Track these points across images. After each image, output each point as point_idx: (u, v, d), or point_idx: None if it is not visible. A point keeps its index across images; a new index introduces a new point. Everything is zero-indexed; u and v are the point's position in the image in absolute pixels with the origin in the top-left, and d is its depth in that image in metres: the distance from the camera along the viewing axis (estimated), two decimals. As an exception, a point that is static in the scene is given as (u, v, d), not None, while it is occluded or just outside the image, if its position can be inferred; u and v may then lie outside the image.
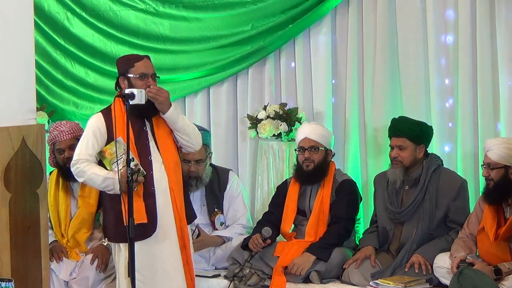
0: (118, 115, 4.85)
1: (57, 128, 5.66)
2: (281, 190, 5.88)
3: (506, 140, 5.13)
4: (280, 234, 5.81)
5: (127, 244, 4.74)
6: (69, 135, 5.62)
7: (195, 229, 5.74)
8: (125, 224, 4.71)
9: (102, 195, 5.07)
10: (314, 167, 5.68)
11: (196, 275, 5.39)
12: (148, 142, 4.93)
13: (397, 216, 5.48)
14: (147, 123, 4.94)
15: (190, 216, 5.09)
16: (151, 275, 4.85)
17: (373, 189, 5.73)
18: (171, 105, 4.87)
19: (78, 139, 5.57)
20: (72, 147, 5.60)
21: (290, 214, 5.75)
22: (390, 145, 5.51)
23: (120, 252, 4.93)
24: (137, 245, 4.71)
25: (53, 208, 5.67)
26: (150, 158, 4.91)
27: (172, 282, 4.89)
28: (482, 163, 5.14)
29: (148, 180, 4.84)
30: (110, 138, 4.88)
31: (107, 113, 4.94)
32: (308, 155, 5.68)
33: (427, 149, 5.52)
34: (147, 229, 4.82)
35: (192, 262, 5.02)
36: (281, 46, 6.45)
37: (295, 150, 5.83)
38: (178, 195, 4.94)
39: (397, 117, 5.61)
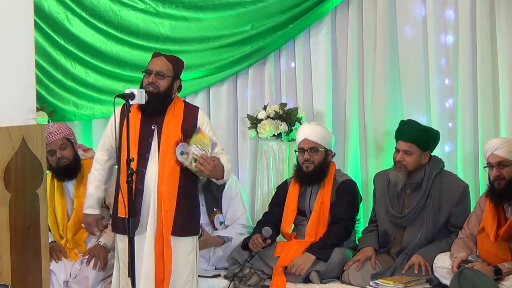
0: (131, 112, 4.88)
1: (45, 130, 5.65)
2: (281, 190, 5.88)
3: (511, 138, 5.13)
4: (280, 234, 5.81)
5: (119, 236, 4.99)
6: (58, 135, 5.64)
7: (198, 229, 5.74)
8: (117, 216, 4.98)
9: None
10: (314, 168, 5.68)
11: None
12: (151, 140, 4.95)
13: (398, 220, 5.46)
14: (156, 121, 4.96)
15: (185, 229, 4.99)
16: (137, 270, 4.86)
17: (373, 187, 5.72)
18: (222, 176, 4.93)
19: (68, 139, 5.63)
20: (62, 147, 5.62)
21: (290, 214, 5.75)
22: (396, 148, 5.48)
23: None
24: (125, 238, 4.83)
25: (50, 210, 5.66)
26: (148, 156, 4.94)
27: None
28: (488, 164, 5.09)
29: (140, 178, 4.87)
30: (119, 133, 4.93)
31: (123, 108, 4.93)
32: (308, 157, 5.68)
33: (431, 153, 5.50)
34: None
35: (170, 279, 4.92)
36: (281, 46, 6.45)
37: (295, 151, 5.83)
38: (167, 200, 4.91)
39: (406, 119, 5.57)
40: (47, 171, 5.75)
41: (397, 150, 5.46)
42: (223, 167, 4.93)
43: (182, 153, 4.90)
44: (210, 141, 4.98)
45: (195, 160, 4.88)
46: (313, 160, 5.68)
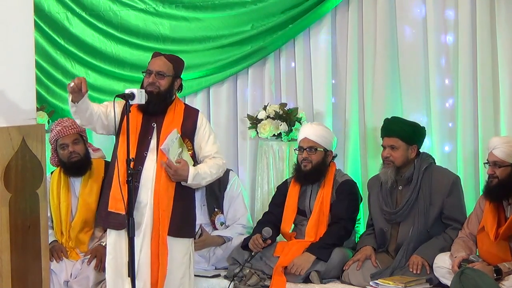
0: (133, 109, 4.90)
1: (60, 124, 5.68)
2: (281, 190, 5.88)
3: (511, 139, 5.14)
4: (280, 234, 5.81)
5: (110, 230, 4.97)
6: (73, 129, 5.65)
7: (198, 229, 5.73)
8: (107, 210, 4.95)
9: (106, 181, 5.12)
10: (311, 168, 5.67)
11: (196, 275, 5.39)
12: (150, 138, 4.95)
13: (392, 216, 5.48)
14: (156, 120, 4.96)
15: (181, 230, 4.96)
16: (119, 266, 4.87)
17: (367, 193, 5.72)
18: (186, 180, 4.90)
19: (80, 135, 5.64)
20: (75, 142, 5.63)
21: (291, 214, 5.75)
22: (382, 145, 5.52)
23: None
24: (114, 233, 4.89)
25: (55, 207, 5.68)
26: (146, 153, 4.94)
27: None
28: (486, 161, 5.13)
29: (136, 175, 4.85)
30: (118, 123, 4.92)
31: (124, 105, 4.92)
32: (306, 155, 5.68)
33: (419, 149, 5.51)
34: (121, 221, 4.80)
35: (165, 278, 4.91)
36: (281, 46, 6.45)
37: (295, 149, 5.83)
38: (165, 199, 4.89)
39: (389, 117, 5.60)
40: (54, 168, 5.78)
41: (384, 148, 5.49)
42: (188, 172, 4.89)
43: (168, 149, 4.87)
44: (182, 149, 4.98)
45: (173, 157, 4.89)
46: (311, 159, 5.67)
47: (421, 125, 5.59)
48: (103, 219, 5.04)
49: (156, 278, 4.89)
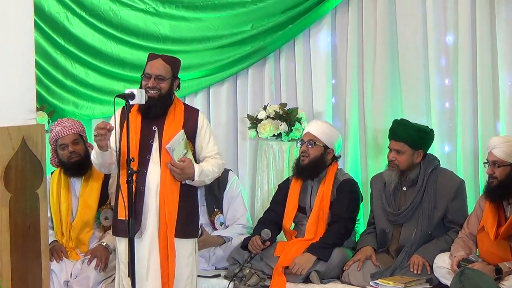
0: (131, 114, 4.87)
1: (59, 124, 5.68)
2: (283, 188, 5.88)
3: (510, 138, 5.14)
4: (281, 232, 5.81)
5: (120, 238, 4.94)
6: (72, 130, 5.65)
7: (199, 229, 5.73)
8: (117, 219, 4.93)
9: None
10: (308, 162, 5.67)
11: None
12: (152, 142, 4.94)
13: (395, 218, 5.48)
14: (157, 123, 4.95)
15: (186, 231, 4.97)
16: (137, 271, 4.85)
17: (370, 190, 5.72)
18: (192, 178, 4.90)
19: (80, 135, 5.64)
20: (75, 142, 5.63)
21: (291, 210, 5.75)
22: (388, 147, 5.51)
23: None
24: (124, 240, 4.84)
25: (56, 207, 5.68)
26: (149, 157, 4.92)
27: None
28: (485, 161, 5.13)
29: (140, 179, 4.85)
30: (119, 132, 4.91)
31: (122, 110, 4.93)
32: (305, 149, 5.69)
33: (426, 152, 5.50)
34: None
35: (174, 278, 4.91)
36: (281, 46, 6.45)
37: (297, 144, 5.85)
38: (170, 202, 4.89)
39: (399, 119, 5.58)
40: (54, 168, 5.77)
41: (390, 150, 5.49)
42: (193, 169, 4.89)
43: (173, 149, 4.87)
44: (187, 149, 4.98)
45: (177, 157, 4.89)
46: (309, 153, 5.68)
47: (429, 128, 5.57)
48: (114, 228, 5.04)
49: (166, 280, 4.89)
